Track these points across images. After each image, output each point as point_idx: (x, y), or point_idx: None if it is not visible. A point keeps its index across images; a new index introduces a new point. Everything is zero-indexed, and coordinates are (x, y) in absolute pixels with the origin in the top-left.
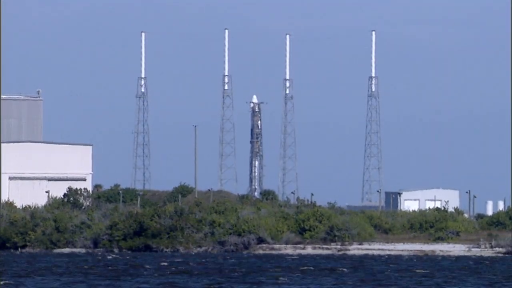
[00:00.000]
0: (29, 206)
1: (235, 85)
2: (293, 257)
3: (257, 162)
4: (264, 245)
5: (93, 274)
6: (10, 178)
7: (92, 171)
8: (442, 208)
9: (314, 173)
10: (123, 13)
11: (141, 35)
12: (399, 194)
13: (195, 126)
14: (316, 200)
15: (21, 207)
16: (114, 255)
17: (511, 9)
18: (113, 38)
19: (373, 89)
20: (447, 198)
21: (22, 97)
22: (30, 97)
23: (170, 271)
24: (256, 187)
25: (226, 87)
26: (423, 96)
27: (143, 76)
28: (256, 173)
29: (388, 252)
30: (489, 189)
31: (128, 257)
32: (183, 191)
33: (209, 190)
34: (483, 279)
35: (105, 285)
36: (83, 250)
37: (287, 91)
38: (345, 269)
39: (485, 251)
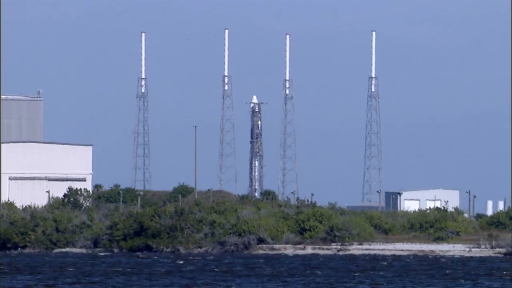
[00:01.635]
0: (29, 206)
1: (235, 85)
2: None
3: (257, 162)
4: (264, 245)
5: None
6: (10, 178)
7: (92, 171)
8: (442, 208)
9: (314, 173)
10: (123, 13)
11: (141, 35)
12: (399, 194)
13: (195, 127)
14: (316, 200)
15: (21, 207)
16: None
17: (511, 9)
18: (113, 38)
19: (373, 90)
20: (447, 198)
21: (22, 97)
22: (30, 97)
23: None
24: (256, 187)
25: (226, 88)
26: (423, 96)
27: (143, 76)
28: (256, 173)
29: (388, 252)
30: (489, 189)
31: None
32: (183, 191)
33: (209, 190)
34: None
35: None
36: (83, 250)
37: (287, 91)
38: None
39: (485, 252)
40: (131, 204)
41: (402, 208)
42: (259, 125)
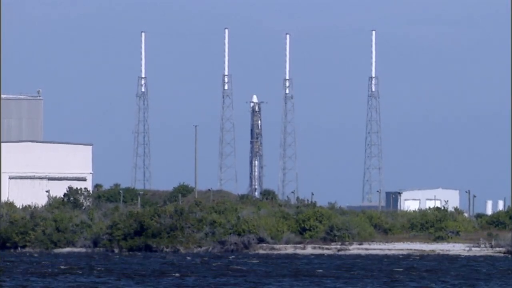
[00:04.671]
0: (29, 206)
1: (235, 85)
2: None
3: (257, 162)
4: (264, 244)
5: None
6: (10, 178)
7: (92, 170)
8: (442, 208)
9: (314, 173)
10: (123, 13)
11: (141, 35)
12: (399, 194)
13: (196, 126)
14: (316, 200)
15: (21, 207)
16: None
17: (511, 9)
18: (113, 38)
19: (373, 89)
20: (447, 198)
21: (22, 97)
22: (30, 96)
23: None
24: (256, 187)
25: (226, 87)
26: (423, 96)
27: (143, 75)
28: (256, 173)
29: (387, 252)
30: (488, 189)
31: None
32: (183, 190)
33: (209, 190)
34: None
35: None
36: (83, 250)
37: (287, 91)
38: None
39: (485, 251)
40: (131, 204)
41: (402, 208)
42: (259, 125)
